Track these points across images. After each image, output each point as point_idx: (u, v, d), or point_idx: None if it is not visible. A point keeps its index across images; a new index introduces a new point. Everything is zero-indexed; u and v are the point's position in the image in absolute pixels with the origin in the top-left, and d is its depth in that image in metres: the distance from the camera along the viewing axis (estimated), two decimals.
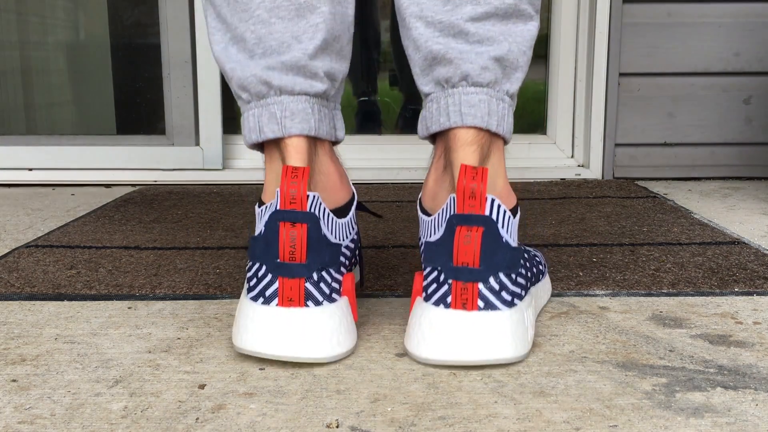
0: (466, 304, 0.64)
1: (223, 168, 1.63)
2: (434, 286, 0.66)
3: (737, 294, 0.84)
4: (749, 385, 0.62)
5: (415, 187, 1.50)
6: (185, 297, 0.84)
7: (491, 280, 0.64)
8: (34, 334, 0.74)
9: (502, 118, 0.68)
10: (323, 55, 0.70)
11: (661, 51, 1.56)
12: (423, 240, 0.69)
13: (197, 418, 0.56)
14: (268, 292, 0.65)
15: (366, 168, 1.62)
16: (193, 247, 1.05)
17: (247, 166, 1.66)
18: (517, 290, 0.66)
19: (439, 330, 0.64)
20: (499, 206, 0.65)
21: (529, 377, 0.63)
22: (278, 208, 0.65)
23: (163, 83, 1.63)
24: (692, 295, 0.84)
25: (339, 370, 0.65)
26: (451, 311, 0.64)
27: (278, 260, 0.65)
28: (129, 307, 0.81)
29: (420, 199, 0.74)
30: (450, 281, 0.64)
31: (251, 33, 0.69)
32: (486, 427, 0.55)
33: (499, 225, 0.65)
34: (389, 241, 1.07)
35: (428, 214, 0.70)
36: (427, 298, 0.66)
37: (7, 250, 1.04)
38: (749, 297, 0.83)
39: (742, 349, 0.69)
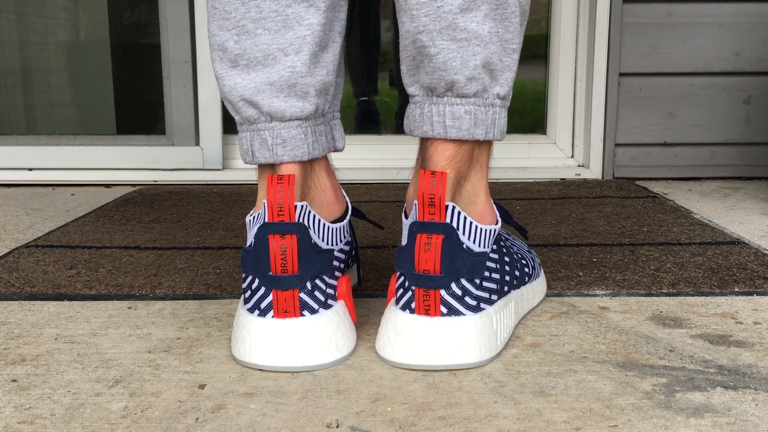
0: (429, 310, 0.64)
1: (223, 168, 1.63)
2: (401, 290, 0.66)
3: (737, 294, 0.84)
4: (749, 385, 0.62)
5: None
6: (185, 297, 0.84)
7: (453, 286, 0.64)
8: (34, 334, 0.74)
9: (492, 124, 0.66)
10: (314, 69, 0.67)
11: (661, 51, 1.56)
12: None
13: (197, 418, 0.56)
14: (263, 305, 0.65)
15: (366, 168, 1.62)
16: (193, 247, 1.05)
17: (247, 166, 1.66)
18: (484, 295, 0.66)
19: (403, 334, 0.65)
20: (459, 213, 0.65)
21: (529, 377, 0.63)
22: (266, 220, 0.65)
23: (163, 83, 1.63)
24: (692, 295, 0.84)
25: (339, 370, 0.65)
26: (414, 316, 0.65)
27: (270, 273, 0.65)
28: (129, 307, 0.81)
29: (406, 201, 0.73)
30: (413, 288, 0.65)
31: (234, 43, 0.66)
32: (486, 427, 0.55)
33: (460, 232, 0.65)
34: (389, 241, 1.07)
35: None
36: (396, 302, 0.67)
37: (7, 250, 1.04)
38: (749, 297, 0.83)
39: (742, 349, 0.69)
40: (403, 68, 0.68)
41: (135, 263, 0.97)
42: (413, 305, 0.65)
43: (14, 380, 0.63)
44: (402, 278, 0.66)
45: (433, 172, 0.63)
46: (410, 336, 0.64)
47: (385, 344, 0.66)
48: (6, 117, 1.81)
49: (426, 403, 0.59)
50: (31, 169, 1.61)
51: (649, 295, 0.84)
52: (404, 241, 0.67)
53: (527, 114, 1.79)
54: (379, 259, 0.98)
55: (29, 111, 1.83)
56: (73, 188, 1.54)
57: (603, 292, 0.85)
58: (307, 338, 0.65)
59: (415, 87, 0.67)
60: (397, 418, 0.56)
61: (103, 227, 1.17)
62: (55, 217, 1.26)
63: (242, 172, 1.62)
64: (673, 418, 0.56)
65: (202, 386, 0.62)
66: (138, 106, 1.80)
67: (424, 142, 0.68)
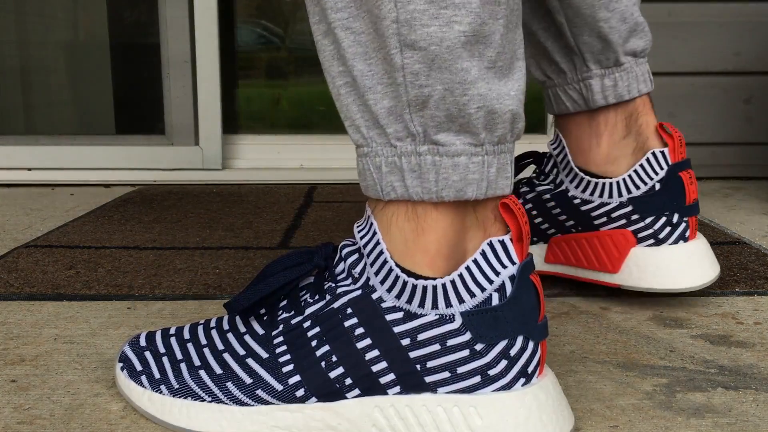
0: (695, 233, 0.79)
1: (223, 168, 1.63)
2: (667, 229, 0.77)
3: (738, 294, 0.84)
4: (750, 385, 0.62)
5: None
6: (185, 297, 0.84)
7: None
8: (34, 334, 0.73)
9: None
10: None
11: (661, 51, 1.56)
12: (618, 198, 0.78)
13: None
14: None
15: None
16: (192, 247, 1.05)
17: (247, 166, 1.66)
18: None
19: (696, 259, 0.77)
20: None
21: None
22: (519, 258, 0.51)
23: (162, 83, 1.63)
24: (693, 295, 0.84)
25: None
26: (695, 242, 0.78)
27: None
28: (128, 307, 0.81)
29: (574, 165, 0.81)
30: (686, 218, 0.77)
31: (500, 36, 0.48)
32: None
33: None
34: None
35: (597, 177, 0.79)
36: (660, 242, 0.77)
37: (6, 250, 1.04)
38: (750, 297, 0.83)
39: (742, 350, 0.69)
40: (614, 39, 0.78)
41: (134, 263, 0.97)
42: (687, 234, 0.77)
43: (13, 380, 0.63)
44: (663, 219, 0.77)
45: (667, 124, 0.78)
46: (705, 256, 0.78)
47: (677, 275, 0.76)
48: (6, 117, 1.81)
49: None
50: (30, 169, 1.61)
51: (650, 295, 0.84)
52: (643, 189, 0.77)
53: (527, 114, 1.79)
54: None
55: (29, 111, 1.83)
56: (72, 188, 1.54)
57: (603, 292, 0.85)
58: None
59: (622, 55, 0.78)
60: None
61: (102, 227, 1.17)
62: (54, 217, 1.26)
63: (242, 172, 1.62)
64: (674, 418, 0.56)
65: None
66: (137, 106, 1.80)
67: (621, 107, 0.79)
